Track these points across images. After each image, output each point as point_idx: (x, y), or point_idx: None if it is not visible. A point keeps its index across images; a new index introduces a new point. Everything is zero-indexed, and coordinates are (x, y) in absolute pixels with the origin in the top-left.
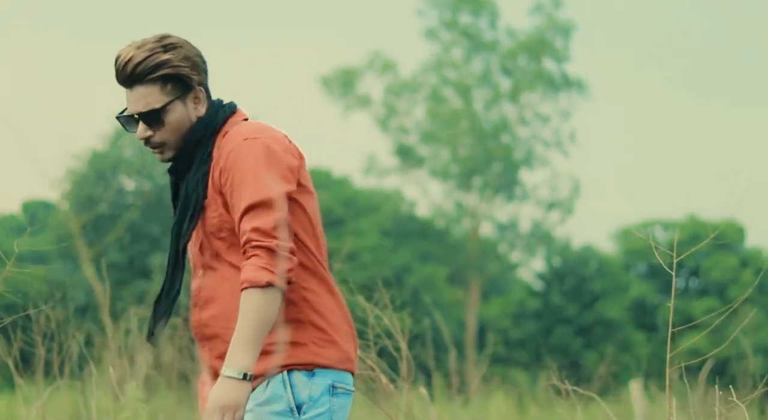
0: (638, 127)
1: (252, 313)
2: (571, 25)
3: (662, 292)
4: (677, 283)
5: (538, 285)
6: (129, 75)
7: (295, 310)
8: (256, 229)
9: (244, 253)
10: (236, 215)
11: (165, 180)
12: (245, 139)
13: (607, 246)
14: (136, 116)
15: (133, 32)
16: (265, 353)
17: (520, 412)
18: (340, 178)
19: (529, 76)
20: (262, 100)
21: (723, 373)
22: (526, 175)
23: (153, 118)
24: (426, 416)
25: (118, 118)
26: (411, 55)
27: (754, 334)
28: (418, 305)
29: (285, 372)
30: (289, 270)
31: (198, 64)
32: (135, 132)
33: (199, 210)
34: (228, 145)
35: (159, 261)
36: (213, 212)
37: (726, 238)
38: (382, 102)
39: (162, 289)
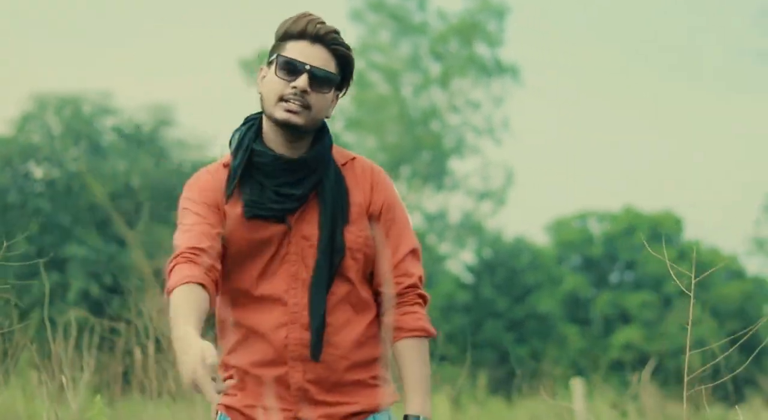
0: (573, 115)
1: (427, 361)
2: (504, 8)
3: (596, 285)
4: (612, 276)
5: (467, 277)
6: (320, 34)
7: (381, 349)
8: (420, 278)
9: (402, 294)
10: (396, 253)
11: (75, 167)
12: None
13: (540, 238)
14: (308, 67)
15: (46, 15)
16: (370, 387)
17: (456, 410)
18: None
19: (460, 61)
20: (181, 83)
21: (659, 369)
22: (456, 164)
23: (322, 80)
24: None
25: (282, 56)
26: None
27: (693, 329)
28: None
29: (390, 408)
30: None
31: (353, 74)
32: (285, 78)
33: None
34: (379, 177)
35: (71, 252)
36: (359, 231)
37: (663, 230)
38: None
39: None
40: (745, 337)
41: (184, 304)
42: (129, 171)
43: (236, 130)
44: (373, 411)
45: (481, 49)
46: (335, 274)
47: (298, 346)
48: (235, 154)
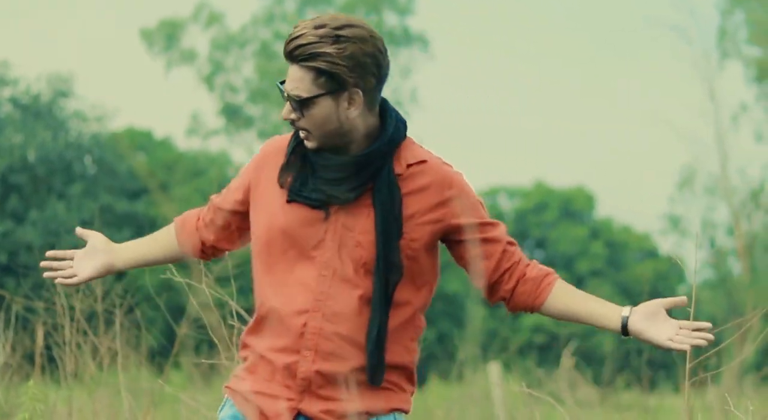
0: (483, 87)
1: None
2: None
3: None
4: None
5: None
6: (289, 52)
7: (409, 358)
8: (508, 239)
9: (519, 268)
10: (490, 242)
11: None
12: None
13: None
14: (285, 95)
15: None
16: (379, 389)
17: None
18: (161, 139)
19: None
20: (80, 53)
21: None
22: None
23: (297, 104)
24: None
25: (279, 84)
26: (240, 7)
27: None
28: (245, 279)
29: (397, 413)
30: None
31: (365, 66)
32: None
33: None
34: (450, 178)
35: None
36: (410, 242)
37: (575, 207)
38: (207, 57)
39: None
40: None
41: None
42: (25, 144)
43: None
44: (377, 413)
45: (390, 18)
46: (395, 280)
47: (315, 336)
48: (291, 139)
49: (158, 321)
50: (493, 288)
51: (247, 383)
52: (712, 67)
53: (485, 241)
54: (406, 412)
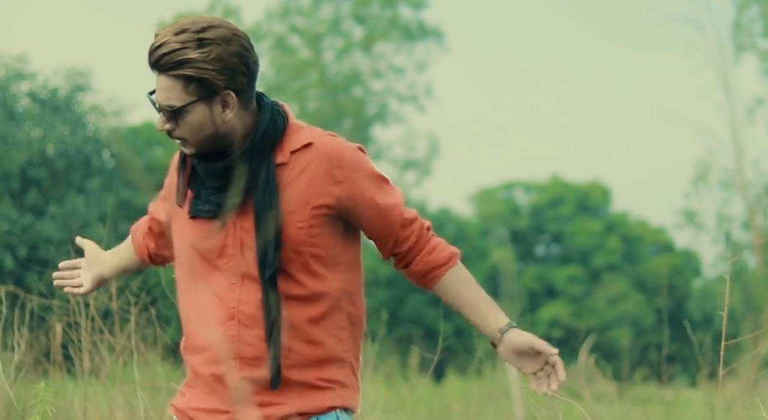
0: (499, 80)
1: (474, 281)
2: None
3: (522, 259)
4: (538, 249)
5: None
6: (154, 63)
7: (341, 347)
8: (415, 214)
9: (416, 242)
10: (391, 226)
11: None
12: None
13: (465, 209)
14: (156, 106)
15: None
16: (315, 388)
17: (389, 390)
18: None
19: (383, 25)
20: (99, 48)
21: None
22: (379, 132)
23: (171, 115)
24: None
25: (149, 95)
26: (256, 2)
27: (620, 304)
28: None
29: (339, 411)
30: None
31: (233, 67)
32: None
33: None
34: (339, 169)
35: None
36: (300, 222)
37: (591, 201)
38: None
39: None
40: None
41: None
42: (44, 138)
43: None
44: (315, 413)
45: (405, 12)
46: (276, 275)
47: (236, 344)
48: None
49: (174, 318)
50: (394, 262)
51: (187, 399)
52: (727, 61)
53: (384, 221)
54: (352, 410)
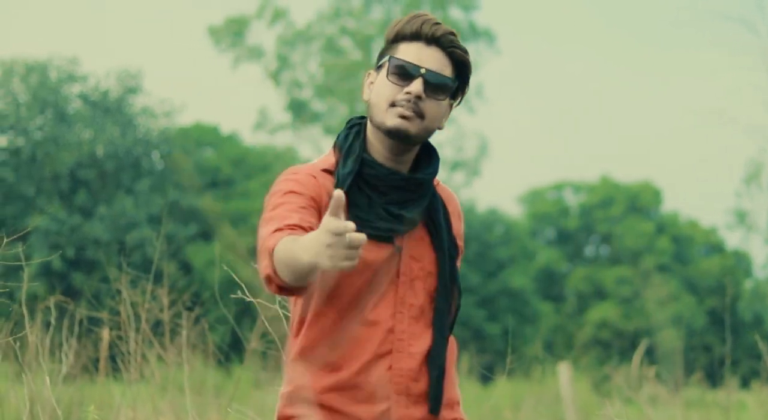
0: (549, 81)
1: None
2: None
3: (571, 259)
4: (588, 250)
5: None
6: (439, 35)
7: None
8: None
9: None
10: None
11: (41, 136)
12: None
13: (514, 209)
14: (423, 70)
15: None
16: None
17: None
18: (228, 134)
19: None
20: (145, 50)
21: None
22: None
23: (437, 86)
24: None
25: (395, 59)
26: (304, 3)
27: (670, 305)
28: None
29: None
30: None
31: (468, 80)
32: (397, 82)
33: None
34: (459, 207)
35: (33, 223)
36: (458, 264)
37: (641, 202)
38: (274, 53)
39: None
40: None
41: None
42: (94, 140)
43: (341, 133)
44: None
45: (455, 13)
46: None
47: (405, 379)
48: (344, 160)
49: (222, 326)
50: None
51: None
52: None
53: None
54: None
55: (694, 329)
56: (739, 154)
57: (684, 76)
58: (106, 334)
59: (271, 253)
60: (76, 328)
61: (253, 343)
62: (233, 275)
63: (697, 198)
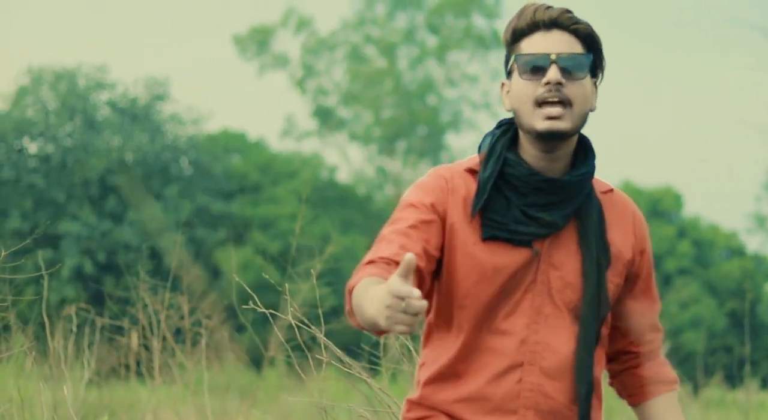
0: None
1: (682, 415)
2: None
3: None
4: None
5: None
6: (556, 16)
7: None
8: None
9: (655, 350)
10: (653, 310)
11: (71, 142)
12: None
13: None
14: (553, 56)
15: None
16: None
17: None
18: (255, 141)
19: (457, 34)
20: (174, 59)
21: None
22: (452, 139)
23: (572, 67)
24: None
25: (521, 55)
26: (327, 12)
27: (692, 308)
28: (338, 276)
29: None
30: None
31: (602, 56)
32: (532, 78)
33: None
34: (641, 219)
35: (64, 228)
36: (613, 277)
37: (662, 206)
38: (299, 61)
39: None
40: None
41: (370, 287)
42: (123, 146)
43: (488, 134)
44: None
45: (478, 21)
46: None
47: (534, 393)
48: (486, 162)
49: (255, 321)
50: (616, 359)
51: None
52: None
53: (640, 311)
54: None
55: (714, 331)
56: (759, 160)
57: (704, 82)
58: (134, 340)
59: (350, 292)
60: (98, 335)
61: (271, 352)
62: (265, 276)
63: (717, 202)
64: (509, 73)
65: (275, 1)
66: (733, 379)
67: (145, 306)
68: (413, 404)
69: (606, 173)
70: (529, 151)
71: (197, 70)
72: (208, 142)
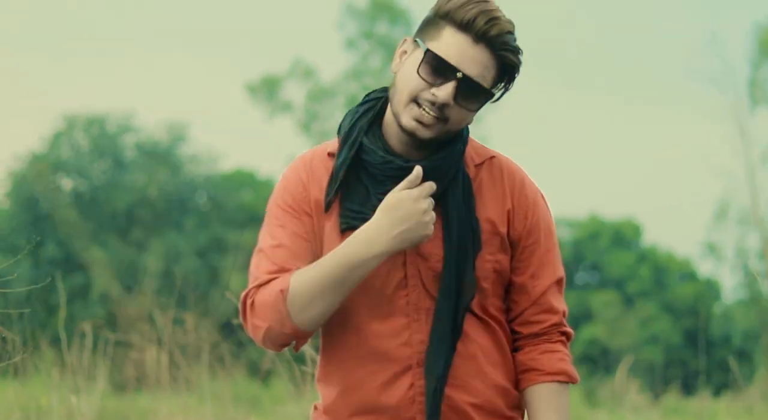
0: (540, 124)
1: (566, 413)
2: None
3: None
4: (578, 277)
5: None
6: (493, 35)
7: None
8: (565, 314)
9: (543, 333)
10: (538, 284)
11: (101, 180)
12: (541, 196)
13: None
14: (459, 75)
15: (60, 36)
16: None
17: None
18: (265, 179)
19: None
20: (192, 104)
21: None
22: None
23: (470, 93)
24: None
25: (431, 52)
26: (330, 62)
27: (651, 325)
28: None
29: None
30: None
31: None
32: (427, 79)
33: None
34: (522, 184)
35: (95, 255)
36: (489, 255)
37: (624, 236)
38: (303, 107)
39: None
40: None
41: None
42: (148, 183)
43: (349, 112)
44: None
45: None
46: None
47: (429, 397)
48: (341, 147)
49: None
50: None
51: None
52: (743, 112)
53: (521, 286)
54: None
55: (671, 346)
56: (710, 195)
57: (662, 125)
58: (151, 354)
59: (284, 297)
60: (111, 350)
61: (266, 363)
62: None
63: (673, 232)
64: (416, 43)
65: (283, 53)
66: (689, 389)
67: (154, 322)
68: (318, 412)
69: (573, 205)
70: (393, 132)
71: (214, 114)
72: (223, 179)
